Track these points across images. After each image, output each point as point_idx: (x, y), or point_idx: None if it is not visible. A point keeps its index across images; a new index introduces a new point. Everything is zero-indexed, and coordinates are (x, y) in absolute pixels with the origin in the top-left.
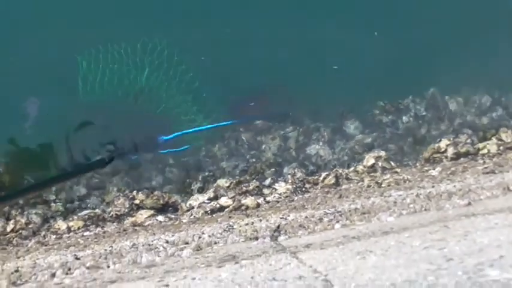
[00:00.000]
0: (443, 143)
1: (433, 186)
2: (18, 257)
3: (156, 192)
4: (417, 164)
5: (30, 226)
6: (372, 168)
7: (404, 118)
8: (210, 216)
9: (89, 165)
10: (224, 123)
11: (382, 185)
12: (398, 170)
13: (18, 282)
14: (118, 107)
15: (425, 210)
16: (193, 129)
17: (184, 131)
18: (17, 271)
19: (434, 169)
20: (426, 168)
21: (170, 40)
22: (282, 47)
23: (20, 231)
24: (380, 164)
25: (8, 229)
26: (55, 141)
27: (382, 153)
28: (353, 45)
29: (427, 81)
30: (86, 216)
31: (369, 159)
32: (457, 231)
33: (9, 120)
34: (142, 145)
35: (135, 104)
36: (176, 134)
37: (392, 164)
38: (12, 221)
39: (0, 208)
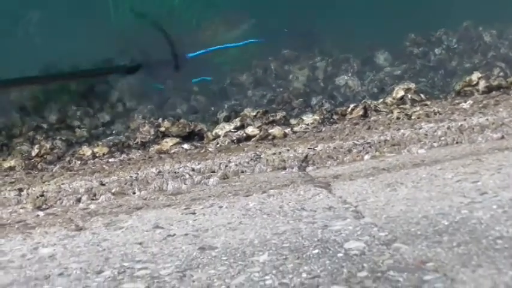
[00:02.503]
0: (475, 76)
1: (464, 119)
2: (43, 182)
3: (181, 120)
4: (448, 97)
5: (54, 151)
6: (402, 100)
7: (436, 50)
8: (236, 145)
9: (108, 68)
10: (250, 41)
11: (412, 117)
12: (428, 102)
13: (44, 206)
14: (148, 29)
15: (457, 143)
16: (218, 47)
17: (210, 49)
18: (42, 195)
19: (465, 102)
20: (457, 101)
21: None
22: None
23: (45, 156)
24: (410, 96)
25: (33, 154)
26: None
27: (412, 85)
28: None
29: (460, 13)
30: (111, 143)
31: (399, 91)
32: (491, 164)
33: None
34: (168, 61)
35: (164, 24)
36: (202, 51)
37: (422, 96)
38: (36, 146)
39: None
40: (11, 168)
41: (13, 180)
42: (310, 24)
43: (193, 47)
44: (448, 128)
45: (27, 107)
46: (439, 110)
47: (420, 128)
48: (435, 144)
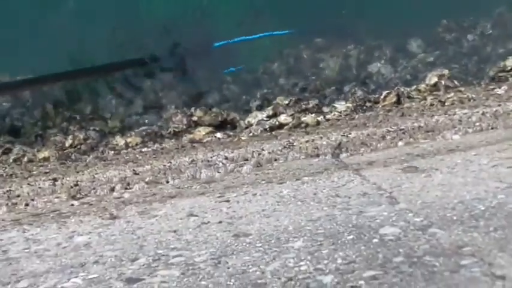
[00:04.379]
0: (510, 62)
1: (499, 105)
2: (77, 172)
3: (214, 109)
4: (482, 83)
5: (88, 141)
6: (435, 86)
7: (469, 36)
8: (269, 133)
9: (128, 61)
10: (279, 32)
11: (446, 104)
12: (462, 88)
13: (78, 196)
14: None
15: (492, 128)
16: (246, 38)
17: (237, 39)
18: (76, 185)
19: (499, 88)
20: (491, 87)
21: None
22: None
23: (79, 147)
24: (443, 82)
25: (67, 144)
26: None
27: (446, 72)
28: None
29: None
30: (144, 133)
31: (432, 78)
32: None
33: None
34: (195, 50)
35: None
36: (228, 41)
37: (456, 82)
38: (70, 136)
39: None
40: (46, 159)
41: (47, 170)
42: (343, 12)
43: (221, 37)
44: (483, 113)
45: (61, 99)
46: (473, 96)
47: (454, 114)
48: (470, 130)
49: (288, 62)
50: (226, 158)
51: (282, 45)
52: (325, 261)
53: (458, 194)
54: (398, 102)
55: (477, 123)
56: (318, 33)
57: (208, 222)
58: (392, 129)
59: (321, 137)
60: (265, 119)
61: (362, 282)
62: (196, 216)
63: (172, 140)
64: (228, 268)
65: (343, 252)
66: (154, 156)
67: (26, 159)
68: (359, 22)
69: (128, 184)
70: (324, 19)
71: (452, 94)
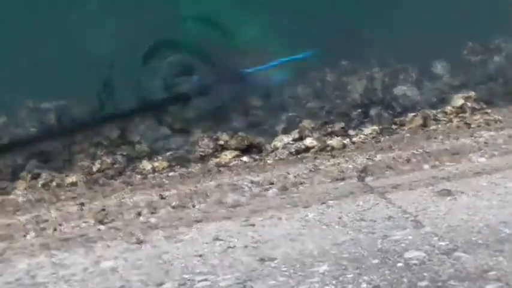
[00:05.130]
0: None
1: None
2: (105, 197)
3: (240, 133)
4: (508, 105)
5: (115, 166)
6: (461, 108)
7: (495, 58)
8: (295, 156)
9: (165, 99)
10: (307, 54)
11: (472, 126)
12: (488, 110)
13: (105, 220)
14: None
15: None
16: (276, 62)
17: (268, 65)
18: (103, 210)
19: None
20: None
21: None
22: None
23: (106, 171)
24: (469, 104)
25: (94, 169)
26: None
27: (472, 94)
28: None
29: None
30: (171, 157)
31: (458, 100)
32: None
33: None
34: (225, 78)
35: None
36: (259, 67)
37: (482, 104)
38: (98, 161)
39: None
40: (73, 184)
41: (75, 195)
42: (368, 34)
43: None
44: (509, 136)
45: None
46: (500, 118)
47: (480, 137)
48: (496, 153)
49: (313, 85)
50: (252, 182)
51: (307, 68)
52: (350, 286)
53: (484, 217)
54: (424, 124)
55: (503, 146)
56: (343, 55)
57: (234, 246)
58: (418, 152)
59: (347, 160)
60: (291, 142)
61: None
62: (222, 240)
63: (199, 164)
64: None
65: (368, 277)
66: (180, 180)
67: (54, 184)
68: (384, 44)
69: (155, 208)
70: (348, 41)
71: (478, 116)
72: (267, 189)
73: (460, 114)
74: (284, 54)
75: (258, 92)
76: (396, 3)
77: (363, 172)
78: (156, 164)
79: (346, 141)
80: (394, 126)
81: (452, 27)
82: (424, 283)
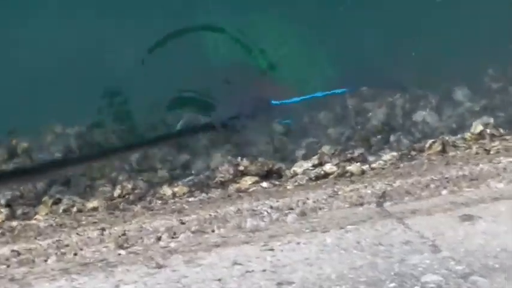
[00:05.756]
0: None
1: None
2: (125, 222)
3: (260, 159)
4: None
5: (136, 191)
6: (480, 135)
7: None
8: (314, 182)
9: (195, 127)
10: (339, 90)
11: (491, 152)
12: (507, 137)
13: (125, 245)
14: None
15: None
16: (305, 97)
17: (297, 98)
18: (124, 235)
19: None
20: None
21: None
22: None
23: (127, 197)
24: (489, 131)
25: (115, 194)
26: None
27: (491, 120)
28: (462, 9)
29: None
30: (191, 183)
31: (477, 126)
32: None
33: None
34: (252, 108)
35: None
36: (286, 100)
37: (502, 131)
38: (118, 187)
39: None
40: (94, 209)
41: (96, 220)
42: (389, 60)
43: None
44: None
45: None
46: None
47: (499, 163)
48: None
49: (334, 111)
50: (271, 207)
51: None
52: None
53: (502, 242)
54: (443, 150)
55: None
56: (364, 81)
57: (253, 270)
58: (437, 178)
59: (366, 186)
60: (310, 168)
61: None
62: (240, 264)
63: (219, 190)
64: None
65: None
66: (200, 205)
67: (75, 209)
68: (405, 70)
69: (174, 233)
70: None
71: (497, 142)
72: (286, 214)
73: (480, 141)
74: (317, 88)
75: (278, 123)
76: (417, 29)
77: (382, 198)
78: (176, 189)
79: (366, 167)
80: (413, 153)
81: (473, 54)
82: None
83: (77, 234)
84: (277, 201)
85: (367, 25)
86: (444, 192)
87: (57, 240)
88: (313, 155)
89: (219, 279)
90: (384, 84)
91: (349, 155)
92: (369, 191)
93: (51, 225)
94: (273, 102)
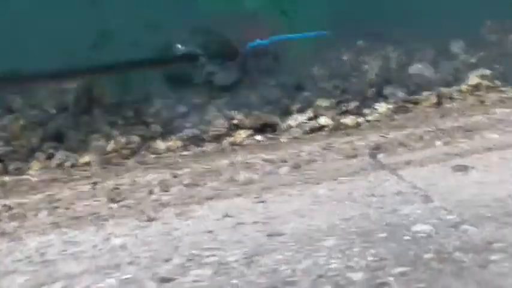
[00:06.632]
0: None
1: None
2: (118, 176)
3: (254, 112)
4: None
5: (129, 146)
6: (476, 87)
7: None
8: (309, 135)
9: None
10: (322, 33)
11: (486, 104)
12: (503, 88)
13: (117, 199)
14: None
15: None
16: (279, 37)
17: (272, 39)
18: (116, 189)
19: None
20: None
21: None
22: None
23: (120, 151)
24: (484, 82)
25: (109, 149)
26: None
27: (487, 72)
28: None
29: None
30: (185, 137)
31: (473, 78)
32: None
33: None
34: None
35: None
36: (262, 41)
37: (498, 82)
38: (112, 141)
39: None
40: (87, 164)
41: (88, 175)
42: (384, 14)
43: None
44: None
45: (103, 103)
46: None
47: (494, 114)
48: (508, 129)
49: (328, 65)
50: (265, 160)
51: (323, 48)
52: (356, 259)
53: (494, 191)
54: (439, 102)
55: None
56: (357, 35)
57: (244, 222)
58: (431, 130)
59: (360, 138)
60: (305, 121)
61: (391, 278)
62: (232, 217)
63: (213, 143)
64: (260, 267)
65: (375, 250)
66: (194, 159)
67: (68, 164)
68: (401, 24)
69: (167, 187)
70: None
71: (493, 94)
72: (279, 167)
73: (475, 93)
74: (295, 30)
75: (271, 76)
76: None
77: (376, 149)
78: (170, 143)
79: (361, 119)
80: (409, 105)
81: (470, 6)
82: (429, 255)
83: (69, 188)
84: (271, 154)
85: None
86: (438, 143)
87: (49, 195)
88: (308, 108)
89: (210, 231)
90: (379, 38)
91: (344, 108)
92: (363, 143)
93: (44, 180)
94: (250, 44)
